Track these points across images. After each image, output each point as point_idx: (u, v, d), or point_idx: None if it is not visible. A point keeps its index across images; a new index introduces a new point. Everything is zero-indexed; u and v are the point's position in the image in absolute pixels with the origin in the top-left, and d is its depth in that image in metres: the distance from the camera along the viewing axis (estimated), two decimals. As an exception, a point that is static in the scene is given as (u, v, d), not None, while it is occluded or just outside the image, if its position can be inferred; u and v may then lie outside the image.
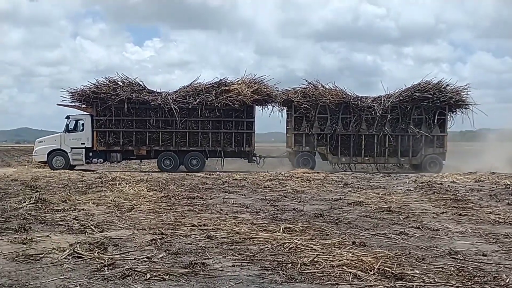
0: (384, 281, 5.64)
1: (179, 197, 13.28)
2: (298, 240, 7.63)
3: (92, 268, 6.12)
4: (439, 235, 8.57)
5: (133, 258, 6.63)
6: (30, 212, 10.64)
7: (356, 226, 9.38)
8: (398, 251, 7.05)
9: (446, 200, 13.11)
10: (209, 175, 21.90)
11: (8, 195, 13.83)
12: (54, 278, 5.70)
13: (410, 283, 5.56)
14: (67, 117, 26.64)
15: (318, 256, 6.64)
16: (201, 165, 26.46)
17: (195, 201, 12.63)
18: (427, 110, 26.63)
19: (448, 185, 17.14)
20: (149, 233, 8.43)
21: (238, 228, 8.78)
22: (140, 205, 11.67)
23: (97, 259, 6.53)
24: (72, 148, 26.22)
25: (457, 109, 27.43)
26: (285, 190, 15.70)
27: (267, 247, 7.37)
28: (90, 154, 26.43)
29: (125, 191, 14.33)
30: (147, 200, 12.59)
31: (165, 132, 26.50)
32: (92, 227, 8.84)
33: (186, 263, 6.29)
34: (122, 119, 26.25)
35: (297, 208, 11.58)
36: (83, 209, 11.26)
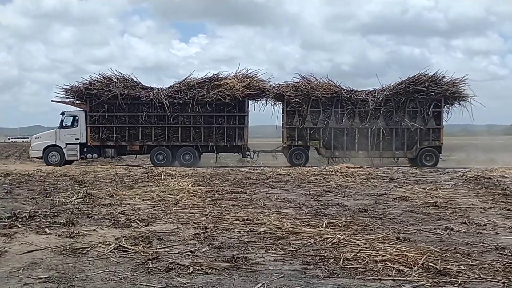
0: (428, 276, 5.56)
1: (223, 192, 13.37)
2: (341, 235, 7.59)
3: (137, 262, 6.22)
4: (486, 231, 8.39)
5: (176, 252, 6.70)
6: (77, 207, 10.89)
7: (400, 221, 9.27)
8: (443, 247, 6.93)
9: (494, 194, 12.81)
10: (253, 170, 21.96)
11: (57, 190, 14.18)
12: (100, 271, 5.81)
13: (454, 279, 5.46)
14: (62, 113, 27.39)
15: (361, 251, 6.58)
16: (194, 160, 26.65)
17: (238, 196, 12.70)
18: (422, 103, 26.34)
19: (497, 180, 16.75)
20: (193, 227, 8.52)
21: (281, 222, 8.78)
22: (185, 200, 11.80)
23: (141, 253, 6.63)
24: (67, 143, 26.89)
25: (454, 102, 26.93)
26: (329, 185, 15.62)
27: (309, 242, 7.35)
28: (85, 149, 26.98)
29: (170, 186, 14.50)
30: (192, 194, 12.71)
31: (158, 127, 26.94)
32: (138, 221, 8.97)
33: (228, 257, 6.33)
34: (115, 114, 26.85)
35: (341, 203, 11.51)
36: (129, 204, 11.45)
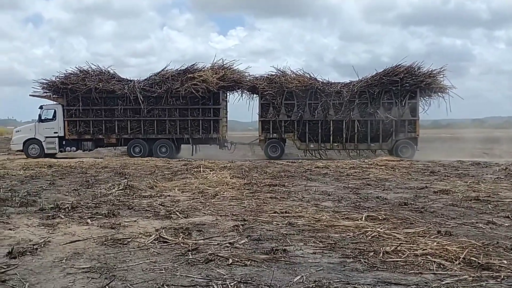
0: (469, 271, 5.47)
1: (261, 185, 13.39)
2: (381, 229, 7.53)
3: (177, 253, 6.29)
4: (531, 225, 8.20)
5: (216, 244, 6.75)
6: (118, 198, 11.06)
7: (441, 215, 9.13)
8: (486, 241, 6.80)
9: (539, 189, 12.51)
10: (292, 162, 21.93)
11: (98, 181, 14.43)
12: (141, 262, 5.90)
13: (497, 273, 5.37)
14: (40, 107, 27.65)
15: (401, 244, 6.52)
16: (170, 152, 26.69)
17: (277, 189, 12.70)
18: (397, 94, 25.82)
19: (542, 174, 16.34)
20: (231, 219, 8.56)
21: (320, 215, 8.76)
22: (223, 192, 11.86)
23: (181, 244, 6.70)
24: (46, 137, 27.23)
25: (431, 93, 26.40)
26: (368, 178, 15.49)
27: (348, 235, 7.31)
28: (64, 142, 27.33)
29: (209, 178, 14.59)
30: (230, 187, 12.77)
31: (133, 120, 26.99)
32: (177, 213, 9.07)
33: (267, 249, 6.35)
34: (91, 108, 26.98)
35: (380, 196, 11.40)
36: (169, 196, 11.58)
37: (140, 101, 26.29)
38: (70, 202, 10.08)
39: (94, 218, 8.64)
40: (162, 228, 7.66)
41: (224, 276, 5.30)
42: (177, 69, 27.06)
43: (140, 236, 7.22)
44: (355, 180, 15.01)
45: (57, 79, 27.00)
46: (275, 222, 8.28)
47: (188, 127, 26.82)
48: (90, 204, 10.12)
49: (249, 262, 5.83)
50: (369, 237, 7.12)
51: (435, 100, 26.74)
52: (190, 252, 6.26)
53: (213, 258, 5.94)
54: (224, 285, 4.95)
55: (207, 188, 12.59)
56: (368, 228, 7.65)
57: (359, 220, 8.29)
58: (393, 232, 7.32)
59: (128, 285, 5.03)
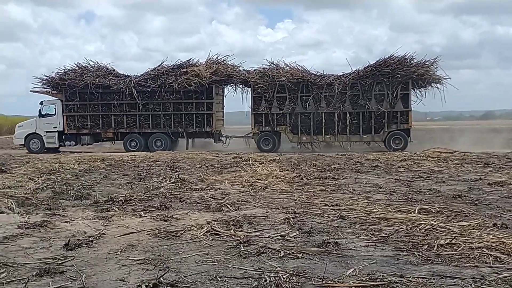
0: (528, 265, 5.32)
1: (311, 177, 13.34)
2: (435, 221, 7.39)
3: (229, 245, 6.32)
4: None
5: (267, 236, 6.76)
6: (170, 191, 11.20)
7: (497, 207, 8.90)
8: (545, 234, 6.60)
9: None
10: (341, 155, 21.77)
11: (150, 175, 14.65)
12: (193, 254, 5.95)
13: (558, 268, 5.20)
14: (41, 103, 28.38)
15: (456, 238, 6.39)
16: (165, 146, 27.07)
17: (327, 181, 12.63)
18: (389, 86, 25.56)
19: None
20: (282, 212, 8.56)
21: (371, 208, 8.67)
22: (273, 185, 11.86)
23: (233, 236, 6.74)
24: (46, 131, 27.96)
25: (424, 84, 25.99)
26: (420, 170, 15.24)
27: (401, 228, 7.21)
28: (63, 137, 27.97)
29: (258, 171, 14.63)
30: (280, 180, 12.77)
31: (129, 115, 27.56)
32: (228, 206, 9.13)
33: (319, 242, 6.32)
34: (88, 103, 27.72)
35: (433, 189, 11.20)
36: (219, 188, 11.65)
37: (135, 96, 26.93)
38: (124, 195, 10.27)
39: (147, 211, 8.78)
40: (213, 221, 7.72)
41: (276, 269, 5.30)
42: (171, 64, 27.61)
43: (192, 228, 7.29)
44: (407, 172, 14.80)
45: (56, 75, 27.87)
46: (326, 215, 8.23)
47: (182, 121, 27.33)
48: (142, 197, 10.29)
49: (301, 255, 5.81)
50: (423, 230, 7.01)
51: (428, 91, 26.62)
52: (241, 245, 6.28)
53: (264, 251, 5.95)
54: (276, 278, 4.94)
55: (257, 181, 12.62)
56: (421, 221, 7.53)
57: (412, 213, 8.17)
58: (447, 225, 7.19)
59: (182, 276, 5.08)
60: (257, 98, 26.93)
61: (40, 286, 4.89)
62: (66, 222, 7.92)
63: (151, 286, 4.79)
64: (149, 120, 27.51)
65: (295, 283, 4.85)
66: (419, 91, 26.66)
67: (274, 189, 11.26)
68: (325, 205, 9.09)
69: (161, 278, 4.93)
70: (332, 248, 6.09)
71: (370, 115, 25.94)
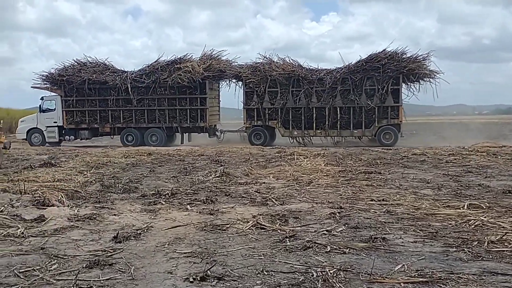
0: None
1: (357, 172, 13.22)
2: (485, 217, 7.23)
3: (275, 239, 6.32)
4: None
5: (313, 231, 6.74)
6: (215, 185, 11.27)
7: (550, 203, 8.64)
8: None
9: None
10: (387, 149, 21.51)
11: (195, 168, 14.77)
12: (240, 248, 5.98)
13: None
14: (41, 98, 29.10)
15: (507, 234, 6.23)
16: (160, 140, 27.41)
17: (373, 176, 12.50)
18: (380, 81, 25.23)
19: None
20: (327, 206, 8.51)
21: (419, 203, 8.54)
22: (318, 179, 11.81)
23: (278, 231, 6.74)
24: (46, 126, 28.65)
25: (414, 79, 25.60)
26: (469, 165, 14.92)
27: (450, 224, 7.08)
28: (63, 132, 28.63)
29: (303, 166, 14.58)
30: (325, 174, 12.70)
31: (126, 110, 28.03)
32: (273, 200, 9.13)
33: (366, 238, 6.26)
34: (86, 99, 28.28)
35: (482, 184, 10.94)
36: (264, 183, 11.67)
37: (130, 91, 27.41)
38: (170, 189, 10.38)
39: (193, 204, 8.85)
40: (259, 215, 7.73)
41: (323, 264, 5.27)
42: (166, 60, 27.96)
43: (238, 222, 7.32)
44: (455, 167, 14.52)
45: (56, 71, 28.51)
46: (373, 210, 8.15)
47: (176, 116, 27.69)
48: (188, 191, 10.38)
49: (347, 250, 5.77)
50: (472, 226, 6.87)
51: (421, 86, 26.29)
52: (287, 239, 6.27)
53: (311, 245, 5.92)
54: (323, 272, 4.92)
55: (302, 175, 12.58)
56: (470, 216, 7.38)
57: (461, 209, 8.01)
58: (498, 221, 7.02)
59: (229, 270, 5.11)
60: (249, 93, 27.10)
61: (90, 278, 4.98)
62: (114, 215, 8.06)
63: (199, 279, 4.83)
64: (145, 115, 28.05)
65: (342, 279, 4.82)
66: (413, 85, 26.48)
67: (319, 184, 11.20)
68: (372, 200, 9.01)
69: (208, 271, 4.97)
70: (380, 243, 6.02)
71: (360, 110, 25.83)
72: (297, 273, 5.03)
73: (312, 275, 4.90)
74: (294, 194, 9.94)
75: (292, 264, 5.30)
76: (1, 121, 20.86)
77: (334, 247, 5.88)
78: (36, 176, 12.26)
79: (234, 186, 11.19)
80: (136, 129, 28.06)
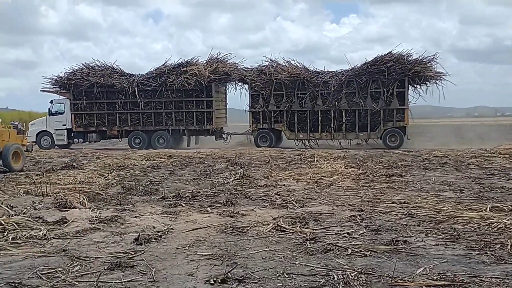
0: None
1: (377, 174, 13.15)
2: (507, 220, 7.15)
3: (295, 242, 6.31)
4: None
5: (333, 234, 6.71)
6: (236, 187, 11.28)
7: None
8: None
9: None
10: (408, 151, 21.37)
11: (215, 171, 14.80)
12: (260, 250, 5.97)
13: None
14: (51, 102, 29.41)
15: (531, 237, 6.15)
16: (167, 143, 27.56)
17: (394, 178, 12.43)
18: (385, 83, 25.07)
19: None
20: (348, 209, 8.48)
21: (441, 206, 8.47)
22: (339, 182, 11.76)
23: (299, 233, 6.72)
24: (56, 129, 28.80)
25: (420, 81, 25.30)
26: (491, 167, 14.77)
27: (472, 227, 7.02)
28: (72, 134, 28.85)
29: (323, 168, 14.53)
30: (345, 176, 12.65)
31: (133, 113, 28.16)
32: (293, 202, 9.11)
33: (387, 240, 6.22)
34: (94, 102, 28.50)
35: (505, 186, 10.82)
36: (284, 185, 11.65)
37: (137, 94, 27.57)
38: (190, 191, 10.43)
39: (214, 207, 8.87)
40: (279, 217, 7.72)
41: (344, 266, 5.25)
42: (173, 64, 28.02)
43: (258, 224, 7.32)
44: (477, 169, 14.38)
45: (64, 75, 28.76)
46: (394, 213, 8.10)
47: (183, 119, 27.78)
48: (209, 193, 10.41)
49: (368, 253, 5.74)
50: (495, 229, 6.80)
51: (428, 88, 26.01)
52: (308, 242, 6.26)
53: (331, 248, 5.91)
54: (344, 275, 4.90)
55: (322, 177, 12.55)
56: (493, 219, 7.30)
57: (484, 211, 7.93)
58: (522, 224, 6.93)
59: (249, 272, 5.10)
60: (255, 96, 27.17)
61: (112, 279, 5.02)
62: (135, 217, 8.11)
63: (219, 281, 4.84)
64: (152, 118, 28.19)
65: (364, 282, 4.80)
66: (420, 88, 26.22)
67: (339, 186, 11.16)
68: (393, 203, 8.95)
69: (229, 273, 4.98)
70: (401, 246, 5.98)
71: (366, 112, 25.73)
72: (317, 275, 5.01)
73: (333, 278, 4.88)
74: (314, 196, 9.92)
75: (313, 266, 5.29)
76: (24, 124, 21.08)
77: (355, 249, 5.85)
78: (58, 179, 12.39)
79: (254, 188, 11.19)
80: (144, 132, 28.29)
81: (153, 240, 6.50)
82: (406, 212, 8.07)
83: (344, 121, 25.94)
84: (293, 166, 15.71)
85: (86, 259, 5.74)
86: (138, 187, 11.29)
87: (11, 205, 8.48)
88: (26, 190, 10.39)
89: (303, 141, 27.14)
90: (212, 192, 10.56)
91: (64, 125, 29.13)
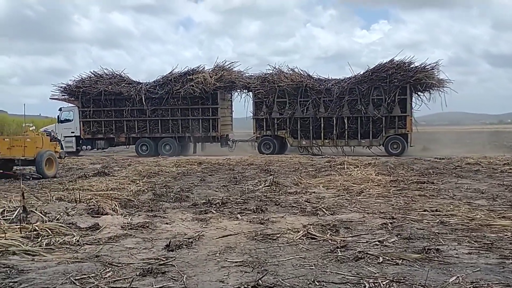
0: None
1: (409, 182, 13.03)
2: (543, 229, 7.01)
3: (325, 249, 6.29)
4: None
5: (364, 241, 6.67)
6: (265, 194, 11.29)
7: None
8: None
9: None
10: (440, 159, 21.13)
11: (245, 178, 14.83)
12: (290, 257, 5.96)
13: None
14: (60, 109, 29.79)
15: None
16: (174, 150, 27.82)
17: (425, 186, 12.30)
18: (387, 90, 25.06)
19: None
20: (379, 217, 8.42)
21: (473, 214, 8.36)
22: (369, 189, 11.69)
23: (329, 241, 6.70)
24: (64, 136, 28.90)
25: (422, 88, 25.34)
26: (525, 174, 14.51)
27: (506, 235, 6.90)
28: (80, 141, 29.27)
29: (353, 175, 14.46)
30: (376, 184, 12.56)
31: (140, 120, 28.54)
32: (324, 210, 9.08)
33: (419, 249, 6.16)
34: (102, 109, 28.95)
35: (540, 195, 10.62)
36: (314, 192, 11.62)
37: (144, 102, 27.96)
38: (221, 198, 10.46)
39: (244, 214, 8.90)
40: (309, 224, 7.71)
41: (375, 275, 5.21)
42: (179, 72, 28.43)
43: (288, 232, 7.31)
44: (510, 177, 14.14)
45: (73, 83, 29.31)
46: (426, 221, 8.02)
47: (189, 126, 28.07)
48: (238, 200, 10.44)
49: (400, 261, 5.68)
50: (530, 238, 6.67)
51: (432, 95, 26.16)
52: (338, 249, 6.23)
53: (362, 256, 5.87)
54: (376, 284, 4.87)
55: (352, 185, 12.48)
56: (528, 228, 7.17)
57: (518, 220, 7.79)
58: (558, 233, 6.80)
59: (280, 280, 5.10)
60: (258, 103, 27.51)
61: (144, 285, 5.06)
62: (166, 223, 8.18)
63: (250, 288, 4.85)
64: (159, 125, 28.58)
65: (395, 290, 4.75)
66: (423, 95, 26.33)
67: (370, 194, 11.10)
68: (424, 211, 8.86)
69: (259, 280, 4.98)
70: (433, 254, 5.91)
71: (368, 119, 25.86)
72: (348, 284, 4.99)
73: (364, 286, 4.85)
74: (344, 204, 9.87)
75: (344, 274, 5.26)
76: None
77: (387, 258, 5.80)
78: (90, 185, 12.56)
79: (284, 195, 11.18)
80: (150, 139, 28.67)
81: (184, 246, 6.54)
82: (438, 220, 7.98)
83: (346, 128, 26.16)
84: (323, 173, 15.66)
85: (118, 265, 5.80)
86: (169, 194, 11.38)
87: (44, 211, 8.61)
88: (59, 197, 10.56)
89: (306, 148, 27.43)
90: (242, 199, 10.59)
91: (73, 132, 29.71)
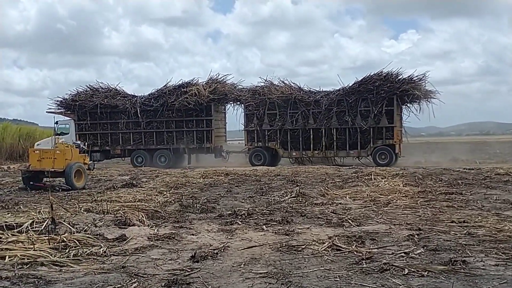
0: None
1: (437, 192, 12.89)
2: None
3: (351, 261, 6.26)
4: None
5: (390, 253, 6.62)
6: (291, 205, 11.27)
7: None
8: None
9: None
10: (469, 169, 20.86)
11: (271, 189, 14.84)
12: (315, 269, 5.95)
13: None
14: (56, 123, 30.18)
15: None
16: (169, 161, 28.36)
17: (453, 197, 12.15)
18: (374, 102, 25.38)
19: None
20: (406, 228, 8.34)
21: (502, 225, 8.23)
22: (396, 200, 11.60)
23: (355, 252, 6.66)
24: None
25: (409, 100, 25.77)
26: (556, 185, 14.23)
27: (535, 247, 6.78)
28: None
29: (380, 186, 14.37)
30: (403, 195, 12.46)
31: (135, 132, 29.16)
32: (350, 221, 9.03)
33: (445, 260, 6.09)
34: (98, 122, 29.55)
35: None
36: (340, 203, 11.57)
37: (139, 115, 28.55)
38: (246, 209, 10.49)
39: (269, 225, 8.90)
40: (335, 236, 7.68)
41: (400, 286, 5.18)
42: (174, 85, 29.12)
43: (313, 243, 7.29)
44: (542, 187, 13.89)
45: (69, 96, 30.02)
46: (453, 232, 7.92)
47: (183, 138, 28.57)
48: (264, 211, 10.44)
49: (426, 273, 5.63)
50: (560, 250, 6.55)
51: (418, 106, 26.73)
52: (364, 261, 6.20)
53: (388, 268, 5.83)
54: (400, 296, 4.83)
55: (379, 196, 12.40)
56: (558, 240, 7.04)
57: (548, 231, 7.65)
58: None
59: (304, 291, 5.10)
60: (249, 115, 28.00)
61: (169, 296, 5.10)
62: (192, 234, 8.22)
63: (274, 299, 4.85)
64: (154, 137, 29.17)
65: (420, 302, 4.71)
66: (413, 106, 26.85)
67: (397, 205, 11.00)
68: (452, 222, 8.76)
69: (283, 292, 4.98)
70: (460, 266, 5.84)
71: (355, 131, 26.23)
72: (373, 295, 4.96)
73: (389, 298, 4.82)
74: (371, 215, 9.81)
75: (369, 286, 5.24)
76: (85, 142, 21.76)
77: (412, 269, 5.75)
78: (118, 196, 12.70)
79: (310, 206, 11.15)
80: (146, 151, 29.23)
81: (209, 257, 6.56)
82: (465, 232, 7.88)
83: (335, 139, 26.49)
84: (350, 184, 15.59)
85: (144, 276, 5.86)
86: (195, 205, 11.44)
87: (73, 222, 8.74)
88: (87, 208, 10.68)
89: (296, 159, 27.96)
90: (267, 210, 10.60)
91: None
